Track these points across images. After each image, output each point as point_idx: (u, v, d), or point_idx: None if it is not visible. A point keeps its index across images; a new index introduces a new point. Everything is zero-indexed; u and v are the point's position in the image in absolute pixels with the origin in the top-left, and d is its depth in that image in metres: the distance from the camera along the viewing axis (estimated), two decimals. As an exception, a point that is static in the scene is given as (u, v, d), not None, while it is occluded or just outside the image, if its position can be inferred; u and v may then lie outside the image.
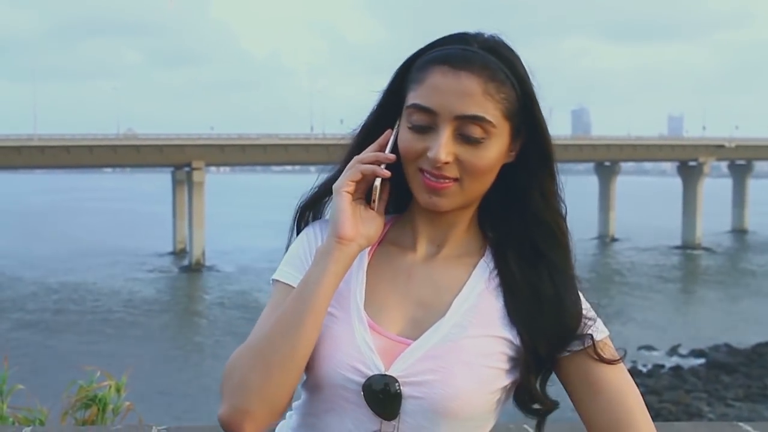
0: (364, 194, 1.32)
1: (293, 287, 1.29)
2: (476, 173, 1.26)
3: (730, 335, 29.06)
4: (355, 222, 1.28)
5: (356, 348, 1.25)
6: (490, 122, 1.24)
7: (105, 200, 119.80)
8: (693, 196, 58.91)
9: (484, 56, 1.25)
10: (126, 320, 32.70)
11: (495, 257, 1.33)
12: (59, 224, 75.15)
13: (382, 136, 1.33)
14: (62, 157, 49.61)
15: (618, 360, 1.30)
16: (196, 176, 49.79)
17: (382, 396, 1.22)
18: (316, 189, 1.39)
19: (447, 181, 1.25)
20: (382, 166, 1.29)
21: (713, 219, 63.00)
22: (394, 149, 1.31)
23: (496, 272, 1.32)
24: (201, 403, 21.07)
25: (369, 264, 1.34)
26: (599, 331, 1.30)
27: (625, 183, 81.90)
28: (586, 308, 1.32)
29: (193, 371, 24.81)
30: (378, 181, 1.30)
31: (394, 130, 1.32)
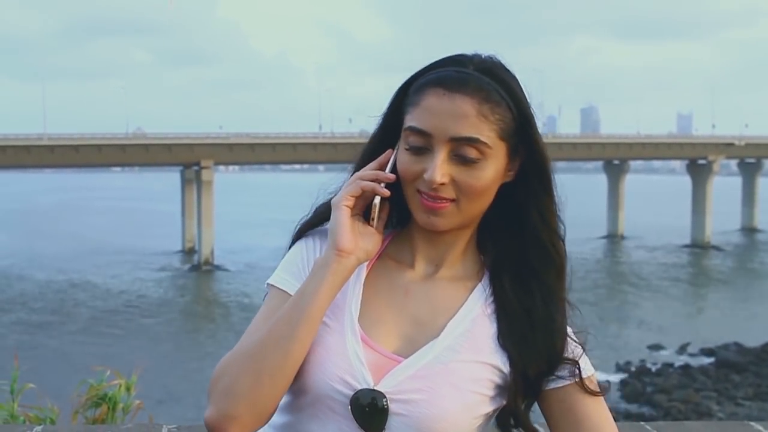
0: (362, 210, 1.32)
1: (288, 293, 1.30)
2: (472, 194, 1.26)
3: (740, 334, 28.97)
4: (354, 236, 1.28)
5: (347, 360, 1.25)
6: (485, 143, 1.24)
7: (114, 199, 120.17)
8: (702, 195, 58.72)
9: (479, 78, 1.26)
10: (135, 319, 32.81)
11: (492, 281, 1.34)
12: (68, 223, 75.42)
13: (383, 155, 1.34)
14: (71, 157, 49.76)
15: (602, 394, 1.31)
16: (205, 175, 49.85)
17: (369, 410, 1.23)
18: (317, 210, 1.39)
19: (444, 201, 1.26)
20: (382, 185, 1.30)
21: (722, 217, 62.81)
22: (394, 169, 1.31)
23: (492, 298, 1.33)
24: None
25: (366, 277, 1.34)
26: (587, 367, 1.32)
27: (634, 181, 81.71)
28: (574, 334, 1.33)
29: (202, 370, 24.83)
30: (377, 200, 1.31)
31: (395, 151, 1.32)
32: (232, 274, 44.69)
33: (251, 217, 78.00)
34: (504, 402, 1.29)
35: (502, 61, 1.31)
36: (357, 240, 1.28)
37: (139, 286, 40.53)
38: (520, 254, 1.32)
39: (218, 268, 46.33)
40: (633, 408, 21.97)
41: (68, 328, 31.01)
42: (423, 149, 1.26)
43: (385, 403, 1.22)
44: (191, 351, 27.86)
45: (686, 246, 56.82)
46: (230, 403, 1.20)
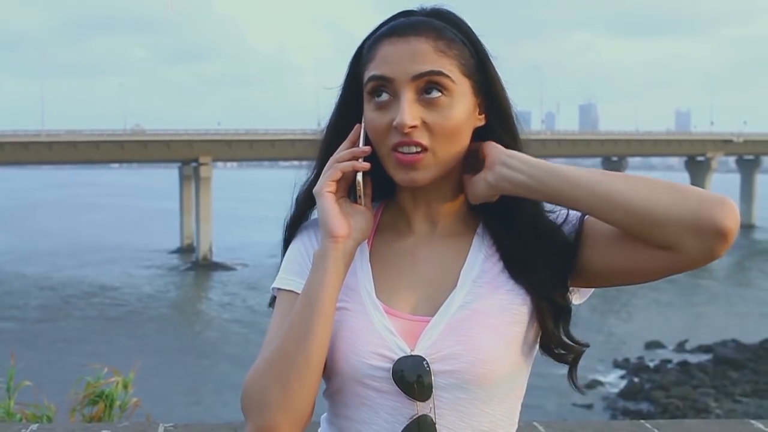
0: (346, 192, 1.31)
1: (296, 293, 1.28)
2: (445, 135, 1.24)
3: (737, 331, 29.00)
4: (345, 219, 1.27)
5: (377, 335, 1.23)
6: (448, 77, 1.23)
7: (112, 196, 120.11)
8: (700, 192, 58.68)
9: (429, 20, 1.27)
10: (133, 316, 32.78)
11: (485, 225, 1.33)
12: (66, 220, 75.35)
13: (352, 132, 1.32)
14: (69, 153, 49.72)
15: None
16: (204, 171, 49.82)
17: (414, 378, 1.20)
18: (297, 203, 1.38)
19: (419, 151, 1.23)
20: (360, 160, 1.29)
21: (721, 214, 62.69)
22: (367, 141, 1.29)
23: (491, 241, 1.32)
24: (209, 400, 21.12)
25: (370, 253, 1.33)
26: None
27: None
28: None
29: (200, 368, 24.84)
30: (360, 176, 1.29)
31: (363, 123, 1.30)
32: (231, 270, 44.66)
33: (250, 213, 77.94)
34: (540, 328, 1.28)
35: (449, 8, 1.31)
36: (349, 222, 1.27)
37: (137, 283, 40.49)
38: (500, 198, 1.30)
39: (217, 264, 46.29)
40: (631, 405, 21.97)
41: (65, 325, 30.97)
42: (388, 100, 1.24)
43: (426, 366, 1.20)
44: (190, 348, 27.82)
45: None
46: (265, 416, 1.19)
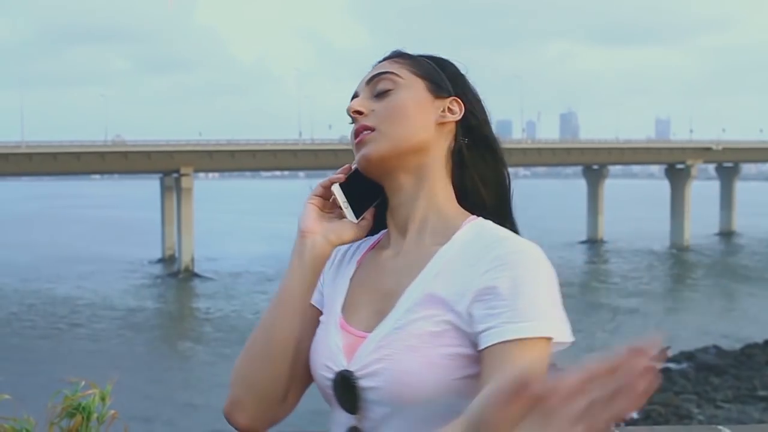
0: (333, 209, 1.39)
1: (312, 304, 1.39)
2: (388, 114, 1.31)
3: (719, 337, 29.19)
4: (317, 219, 1.36)
5: (328, 348, 1.30)
6: (394, 74, 1.33)
7: (93, 207, 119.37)
8: (681, 199, 59.17)
9: (396, 53, 1.40)
10: (113, 328, 32.57)
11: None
12: (46, 231, 74.83)
13: (342, 167, 1.41)
14: (50, 164, 49.44)
15: None
16: (185, 182, 49.65)
17: (345, 391, 1.26)
18: None
19: (366, 131, 1.32)
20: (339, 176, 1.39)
21: (701, 221, 63.27)
22: (359, 176, 1.37)
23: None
24: (188, 412, 20.99)
25: (357, 269, 1.38)
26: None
27: (613, 186, 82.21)
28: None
29: (181, 380, 24.71)
30: (334, 187, 1.36)
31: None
32: (213, 281, 44.49)
33: (232, 224, 77.70)
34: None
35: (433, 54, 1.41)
36: (321, 222, 1.36)
37: (118, 294, 40.25)
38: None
39: (198, 275, 46.10)
40: (614, 412, 22.04)
41: (45, 336, 30.73)
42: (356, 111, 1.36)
43: (353, 381, 1.24)
44: (170, 360, 27.68)
45: (666, 250, 57.19)
46: (233, 391, 1.33)
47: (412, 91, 1.32)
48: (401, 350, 1.21)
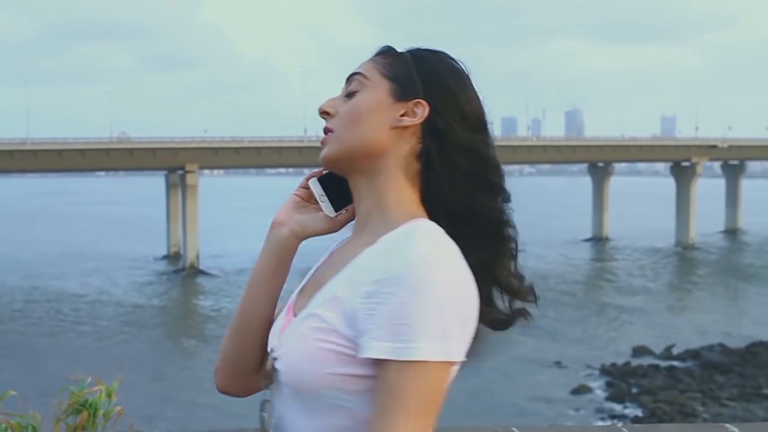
0: (315, 202, 1.44)
1: None
2: (343, 117, 1.34)
3: (724, 335, 29.13)
4: (291, 209, 1.44)
5: (275, 327, 1.40)
6: (363, 75, 1.35)
7: (98, 204, 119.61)
8: (686, 197, 59.04)
9: (380, 50, 1.40)
10: (118, 325, 32.63)
11: None
12: (52, 228, 74.99)
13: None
14: (55, 161, 49.50)
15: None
16: (190, 179, 49.67)
17: (271, 369, 1.35)
18: None
19: (328, 132, 1.36)
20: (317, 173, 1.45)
21: (706, 219, 63.17)
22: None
23: None
24: (193, 408, 21.02)
25: (326, 259, 1.43)
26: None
27: (618, 184, 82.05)
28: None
29: (186, 376, 24.75)
30: (312, 181, 1.43)
31: None
32: (218, 278, 44.55)
33: (237, 221, 77.72)
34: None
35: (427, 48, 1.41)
36: (292, 213, 1.43)
37: (124, 291, 40.32)
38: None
39: (203, 272, 46.17)
40: (618, 408, 22.04)
41: (51, 333, 30.81)
42: None
43: (272, 361, 1.33)
44: (175, 357, 27.73)
45: (671, 248, 57.09)
46: (216, 360, 1.48)
47: (373, 93, 1.33)
48: (296, 339, 1.27)
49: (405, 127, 1.32)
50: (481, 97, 1.35)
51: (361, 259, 1.27)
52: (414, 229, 1.24)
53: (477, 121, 1.33)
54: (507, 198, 1.35)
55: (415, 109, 1.31)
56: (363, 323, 1.19)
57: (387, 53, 1.37)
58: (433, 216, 1.31)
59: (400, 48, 1.39)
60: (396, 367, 1.16)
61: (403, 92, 1.32)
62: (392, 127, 1.31)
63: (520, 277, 1.35)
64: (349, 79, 1.37)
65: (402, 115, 1.32)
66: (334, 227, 1.42)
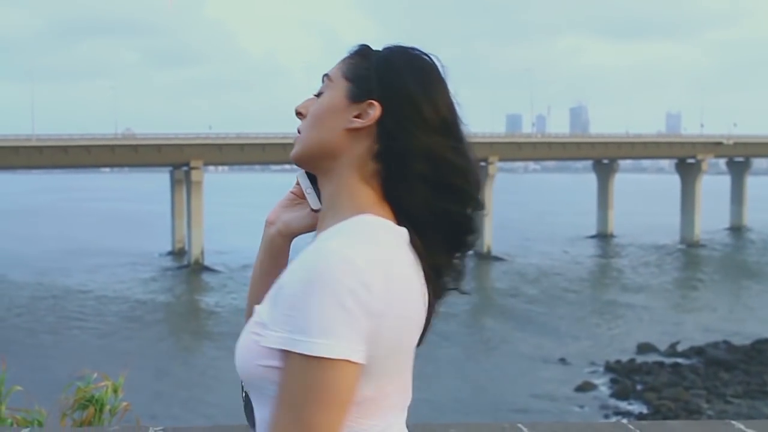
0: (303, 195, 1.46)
1: None
2: (308, 120, 1.36)
3: (729, 332, 29.11)
4: (282, 208, 1.46)
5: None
6: (328, 75, 1.37)
7: (103, 200, 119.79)
8: (691, 194, 58.96)
9: (351, 49, 1.39)
10: (124, 321, 32.71)
11: None
12: (57, 224, 75.12)
13: None
14: (60, 157, 49.55)
15: None
16: (195, 175, 49.74)
17: None
18: None
19: (298, 133, 1.38)
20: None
21: (712, 216, 63.06)
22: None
23: None
24: (199, 403, 21.07)
25: None
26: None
27: (623, 180, 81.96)
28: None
29: (191, 372, 24.80)
30: (300, 174, 1.43)
31: None
32: (222, 274, 44.62)
33: (241, 217, 77.76)
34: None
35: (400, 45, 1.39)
36: (281, 212, 1.46)
37: (129, 287, 40.40)
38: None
39: (208, 268, 46.24)
40: (623, 405, 22.04)
41: (56, 329, 30.88)
42: None
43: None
44: (179, 353, 27.79)
45: (675, 244, 57.03)
46: None
47: (333, 94, 1.34)
48: (243, 333, 1.27)
49: (358, 129, 1.31)
50: (453, 99, 1.32)
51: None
52: (347, 223, 1.26)
53: (441, 123, 1.29)
54: (478, 205, 1.32)
55: (369, 110, 1.30)
56: (266, 313, 1.22)
57: (357, 53, 1.37)
58: (396, 216, 1.30)
59: (379, 45, 1.38)
60: (287, 358, 1.16)
61: (358, 93, 1.32)
62: (346, 128, 1.31)
63: (462, 276, 1.35)
64: (322, 79, 1.38)
65: (356, 117, 1.31)
66: (308, 225, 1.44)
